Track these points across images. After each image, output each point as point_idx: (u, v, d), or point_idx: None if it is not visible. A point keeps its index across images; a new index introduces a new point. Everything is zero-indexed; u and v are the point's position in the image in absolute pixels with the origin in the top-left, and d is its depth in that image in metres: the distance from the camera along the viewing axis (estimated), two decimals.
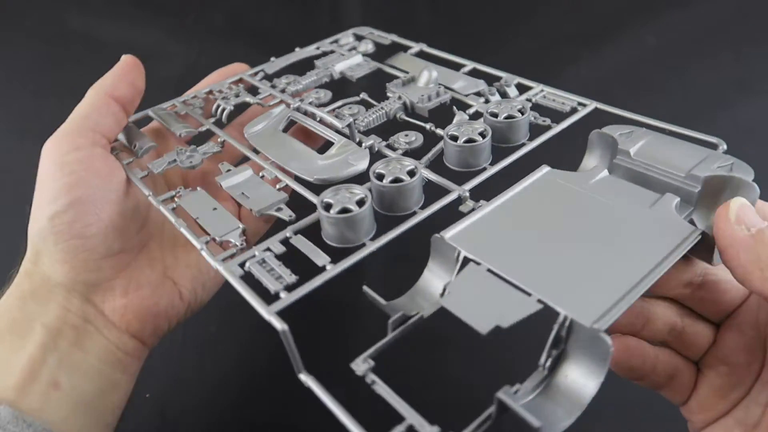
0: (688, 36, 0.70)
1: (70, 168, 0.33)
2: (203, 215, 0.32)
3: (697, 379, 0.32)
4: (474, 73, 0.44)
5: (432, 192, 0.32)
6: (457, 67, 0.45)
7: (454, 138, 0.33)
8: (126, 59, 0.39)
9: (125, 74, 0.39)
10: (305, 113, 0.40)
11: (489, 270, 0.26)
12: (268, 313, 0.24)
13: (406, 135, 0.36)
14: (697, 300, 0.32)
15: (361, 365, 0.24)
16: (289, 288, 0.26)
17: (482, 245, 0.27)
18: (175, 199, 0.34)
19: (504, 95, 0.40)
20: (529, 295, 0.24)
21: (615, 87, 0.65)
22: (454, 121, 0.36)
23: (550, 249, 0.27)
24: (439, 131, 0.36)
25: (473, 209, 0.29)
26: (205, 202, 0.33)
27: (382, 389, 0.23)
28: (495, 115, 0.35)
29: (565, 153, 0.34)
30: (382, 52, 0.49)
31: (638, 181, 0.31)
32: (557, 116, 0.37)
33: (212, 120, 0.42)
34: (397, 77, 0.42)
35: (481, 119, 0.36)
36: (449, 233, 0.28)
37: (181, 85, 0.47)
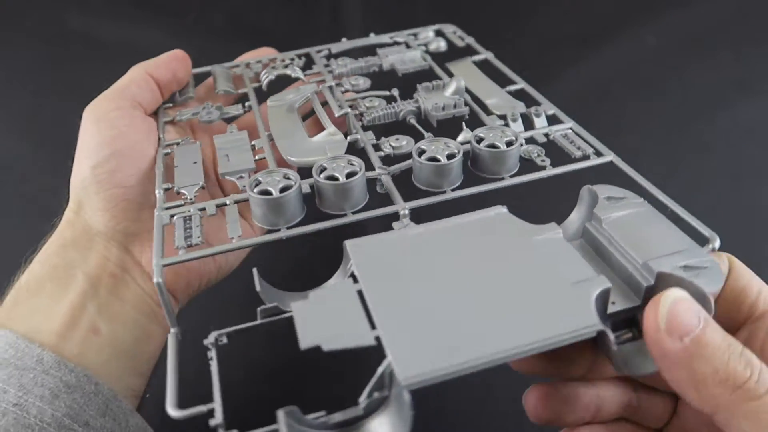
0: (688, 36, 0.70)
1: (111, 123, 0.35)
2: (182, 165, 0.35)
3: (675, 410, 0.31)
4: (521, 95, 0.41)
5: (386, 202, 0.31)
6: (506, 83, 0.42)
7: (421, 153, 0.32)
8: (176, 51, 0.42)
9: (169, 62, 0.41)
10: (329, 94, 0.40)
11: (359, 291, 0.24)
12: (156, 263, 0.27)
13: (397, 139, 0.35)
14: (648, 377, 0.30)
15: (211, 337, 0.26)
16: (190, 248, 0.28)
17: (376, 265, 0.25)
18: (174, 146, 0.37)
19: (530, 123, 0.37)
20: (373, 328, 0.22)
21: (615, 87, 0.65)
22: (458, 138, 0.35)
23: (437, 290, 0.24)
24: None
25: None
26: (192, 154, 0.36)
27: (212, 368, 0.24)
28: (479, 141, 0.33)
29: (561, 200, 0.32)
30: (454, 54, 0.48)
31: (598, 253, 0.28)
32: (569, 159, 0.34)
33: (255, 86, 0.43)
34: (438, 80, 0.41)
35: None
36: (353, 242, 0.26)
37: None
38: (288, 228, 0.29)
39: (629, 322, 0.26)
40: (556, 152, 0.34)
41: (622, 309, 0.25)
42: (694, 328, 0.21)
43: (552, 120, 0.37)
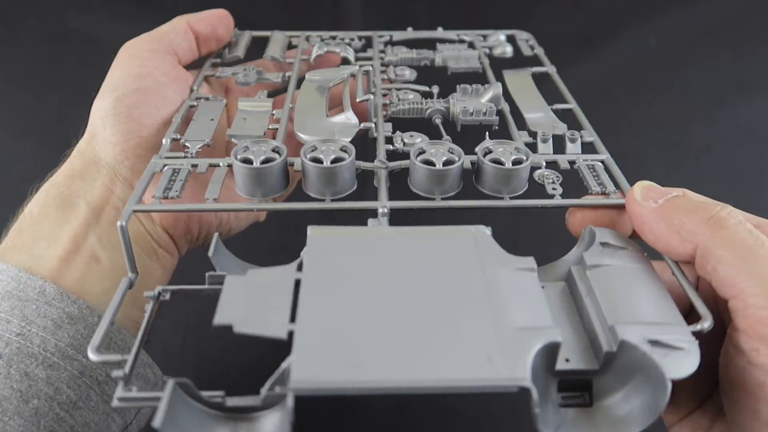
0: (688, 36, 0.70)
1: (142, 62, 0.37)
2: (199, 120, 0.36)
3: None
4: (568, 116, 0.38)
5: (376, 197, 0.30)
6: (559, 101, 0.39)
7: (420, 154, 0.30)
8: (219, 10, 0.43)
9: (211, 18, 0.42)
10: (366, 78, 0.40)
11: (297, 281, 0.23)
12: (127, 207, 0.28)
13: (411, 136, 0.34)
14: None
15: (152, 291, 0.26)
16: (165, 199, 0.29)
17: (327, 258, 0.24)
18: (202, 100, 0.38)
19: (563, 147, 0.34)
20: (292, 322, 0.21)
21: (615, 87, 0.65)
22: (477, 148, 0.32)
23: (375, 299, 0.22)
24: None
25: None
26: (213, 112, 0.37)
27: (144, 320, 0.25)
28: (486, 154, 0.30)
29: (567, 234, 0.30)
30: (520, 62, 0.46)
31: (576, 301, 0.25)
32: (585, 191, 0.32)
33: (304, 58, 0.44)
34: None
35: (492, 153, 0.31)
36: (317, 229, 0.26)
37: None
38: (261, 201, 0.29)
39: (585, 385, 0.23)
40: (579, 182, 0.32)
41: (575, 369, 0.23)
42: (664, 194, 0.26)
43: (587, 148, 0.34)
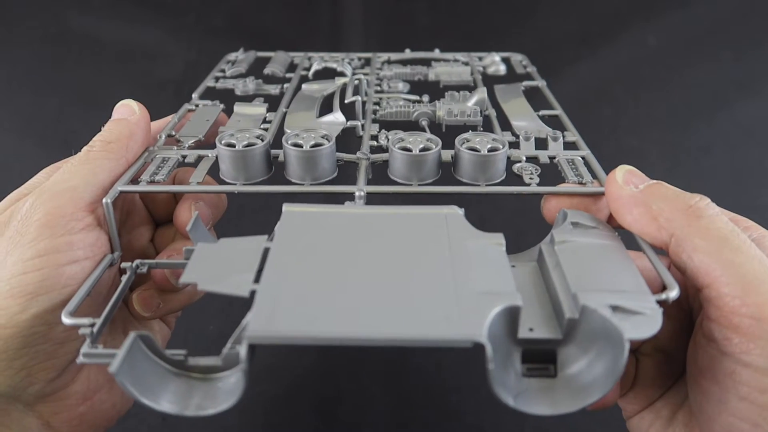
0: (688, 36, 0.70)
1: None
2: (195, 120, 0.37)
3: (636, 369, 0.31)
4: (554, 122, 0.38)
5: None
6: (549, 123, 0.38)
7: (397, 143, 0.31)
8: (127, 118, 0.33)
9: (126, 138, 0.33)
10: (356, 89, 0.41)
11: (266, 249, 0.24)
12: (114, 187, 0.29)
13: (396, 133, 0.34)
14: None
15: (134, 263, 0.28)
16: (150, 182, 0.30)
17: (298, 231, 0.25)
18: (200, 105, 0.39)
19: (545, 146, 0.35)
20: (256, 282, 0.22)
21: (615, 87, 0.65)
22: (457, 138, 0.33)
23: (340, 266, 0.23)
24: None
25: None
26: (209, 114, 0.37)
27: (119, 289, 0.27)
28: (463, 144, 0.31)
29: (542, 224, 0.30)
30: (513, 79, 0.46)
31: (544, 277, 0.26)
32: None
33: (303, 73, 0.46)
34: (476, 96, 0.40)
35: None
36: (291, 206, 0.27)
37: (181, 85, 0.47)
38: (244, 185, 0.31)
39: (550, 357, 0.23)
40: (557, 175, 0.32)
41: (538, 338, 0.23)
42: (647, 180, 0.26)
43: (569, 147, 0.34)
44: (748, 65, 0.67)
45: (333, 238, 0.25)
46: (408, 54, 0.51)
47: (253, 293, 0.22)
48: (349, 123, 0.36)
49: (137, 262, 0.28)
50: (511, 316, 0.22)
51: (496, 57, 0.50)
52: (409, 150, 0.30)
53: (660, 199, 0.25)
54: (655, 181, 0.27)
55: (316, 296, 0.22)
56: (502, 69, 0.48)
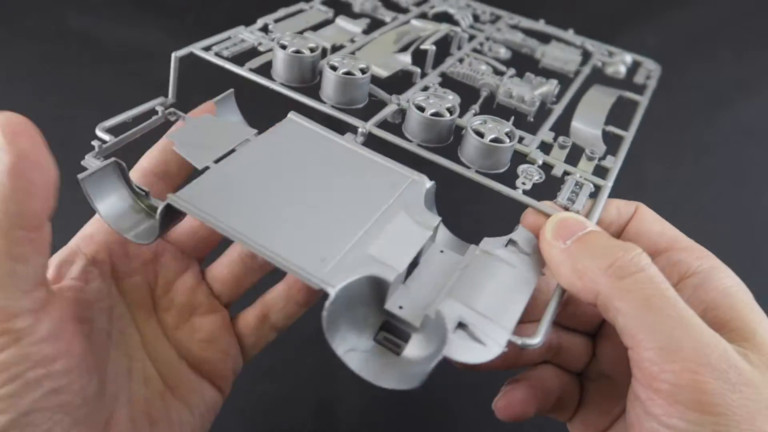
0: (688, 36, 0.70)
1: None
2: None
3: (582, 394, 0.31)
4: (617, 141, 0.36)
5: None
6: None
7: (418, 105, 0.31)
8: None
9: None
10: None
11: (247, 140, 0.29)
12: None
13: (445, 92, 0.34)
14: (566, 316, 0.31)
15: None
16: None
17: (284, 137, 0.29)
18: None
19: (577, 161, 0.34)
20: (215, 162, 0.27)
21: (615, 87, 0.65)
22: (468, 115, 0.33)
23: (286, 183, 0.27)
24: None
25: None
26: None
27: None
28: (475, 124, 0.31)
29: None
30: (625, 84, 0.44)
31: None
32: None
33: (424, 10, 0.47)
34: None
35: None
36: (296, 116, 0.31)
37: (181, 85, 0.47)
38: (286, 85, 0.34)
39: (406, 337, 0.24)
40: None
41: (399, 316, 0.24)
42: (577, 233, 0.25)
43: (599, 171, 0.32)
44: (748, 65, 0.67)
45: (303, 156, 0.28)
46: (540, 25, 0.50)
47: (205, 169, 0.26)
48: (410, 67, 0.37)
49: (170, 109, 0.33)
50: (379, 285, 0.23)
51: (627, 57, 0.47)
52: (423, 110, 0.31)
53: (585, 256, 0.24)
54: (586, 231, 0.25)
55: (244, 195, 0.25)
56: (622, 71, 0.45)
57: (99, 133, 0.30)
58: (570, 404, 0.31)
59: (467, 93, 0.36)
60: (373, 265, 0.23)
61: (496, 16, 0.50)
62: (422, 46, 0.39)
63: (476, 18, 0.49)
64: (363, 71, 0.33)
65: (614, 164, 0.32)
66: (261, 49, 0.37)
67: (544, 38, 0.48)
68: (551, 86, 0.37)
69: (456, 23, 0.46)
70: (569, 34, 0.50)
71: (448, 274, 0.26)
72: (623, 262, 0.23)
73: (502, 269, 0.25)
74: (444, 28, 0.44)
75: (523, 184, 0.30)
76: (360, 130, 0.31)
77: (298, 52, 0.33)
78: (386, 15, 0.45)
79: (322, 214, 0.26)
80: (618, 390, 0.28)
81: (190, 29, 0.71)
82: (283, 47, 0.33)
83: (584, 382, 0.32)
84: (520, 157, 0.31)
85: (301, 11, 0.42)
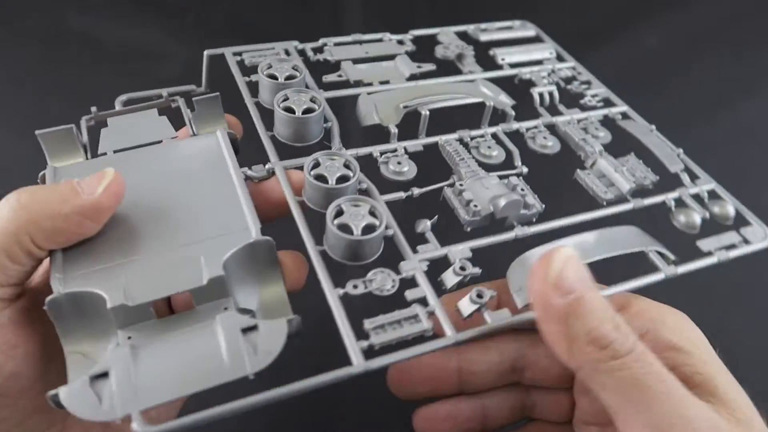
0: (688, 36, 0.70)
1: None
2: None
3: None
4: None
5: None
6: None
7: (287, 109, 0.33)
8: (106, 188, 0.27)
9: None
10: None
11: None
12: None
13: (399, 163, 0.34)
14: (533, 378, 0.31)
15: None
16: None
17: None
18: None
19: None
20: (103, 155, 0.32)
21: (615, 87, 0.65)
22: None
23: (141, 192, 0.29)
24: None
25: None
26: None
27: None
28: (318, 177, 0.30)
29: None
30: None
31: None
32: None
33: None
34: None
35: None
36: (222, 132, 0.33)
37: (180, 85, 0.47)
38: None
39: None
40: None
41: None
42: (577, 289, 0.22)
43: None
44: (748, 65, 0.67)
45: (180, 170, 0.31)
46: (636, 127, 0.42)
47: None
48: (391, 126, 0.36)
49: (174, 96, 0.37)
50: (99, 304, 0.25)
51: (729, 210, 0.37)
52: (325, 180, 0.30)
53: (582, 324, 0.22)
54: (584, 290, 0.23)
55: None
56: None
57: (117, 104, 0.35)
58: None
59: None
60: (192, 257, 0.26)
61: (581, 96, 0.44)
62: (420, 109, 0.36)
63: (561, 90, 0.43)
64: (310, 110, 0.33)
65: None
66: (275, 73, 0.36)
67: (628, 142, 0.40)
68: (509, 198, 0.31)
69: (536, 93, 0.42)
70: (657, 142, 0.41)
71: (192, 328, 0.25)
72: (616, 346, 0.22)
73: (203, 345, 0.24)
74: (483, 97, 0.39)
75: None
76: (267, 165, 0.32)
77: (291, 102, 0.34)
78: (469, 67, 0.43)
79: (146, 225, 0.28)
80: None
81: (190, 29, 0.71)
82: (289, 110, 0.34)
83: (575, 429, 0.31)
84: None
85: (379, 41, 0.43)
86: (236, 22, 0.72)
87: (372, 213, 0.29)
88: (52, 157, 0.32)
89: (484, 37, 0.49)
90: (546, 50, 0.48)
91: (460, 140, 0.37)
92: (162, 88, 0.37)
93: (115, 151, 0.32)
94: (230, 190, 0.30)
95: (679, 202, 0.36)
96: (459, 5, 0.74)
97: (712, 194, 0.37)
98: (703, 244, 0.32)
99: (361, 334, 0.25)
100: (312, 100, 0.34)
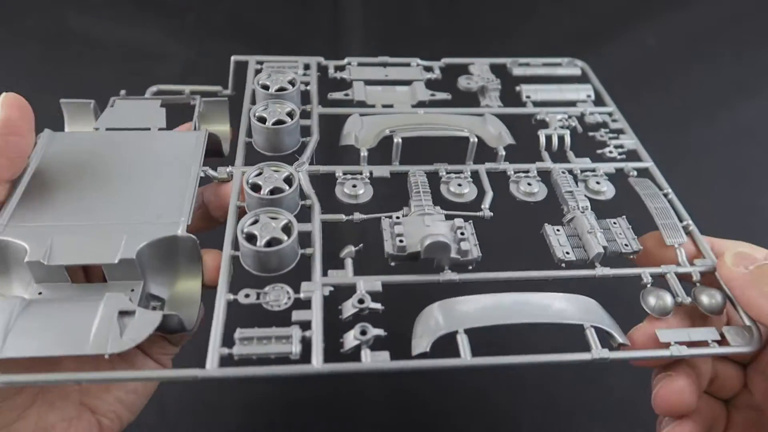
0: (688, 36, 0.70)
1: None
2: None
3: (728, 422, 0.32)
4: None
5: None
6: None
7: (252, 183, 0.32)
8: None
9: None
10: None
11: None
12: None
13: (354, 187, 0.34)
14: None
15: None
16: None
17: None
18: None
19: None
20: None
21: (615, 87, 0.65)
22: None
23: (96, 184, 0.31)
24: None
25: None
26: None
27: None
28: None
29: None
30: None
31: None
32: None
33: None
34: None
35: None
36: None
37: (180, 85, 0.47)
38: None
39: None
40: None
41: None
42: (755, 262, 0.28)
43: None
44: (748, 65, 0.67)
45: (144, 152, 0.33)
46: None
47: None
48: (361, 147, 0.36)
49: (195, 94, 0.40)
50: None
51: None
52: (256, 188, 0.32)
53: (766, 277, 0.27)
54: (764, 261, 0.28)
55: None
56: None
57: (147, 93, 0.39)
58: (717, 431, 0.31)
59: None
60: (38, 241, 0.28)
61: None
62: (395, 137, 0.36)
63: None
64: (281, 122, 0.35)
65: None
66: (268, 83, 0.38)
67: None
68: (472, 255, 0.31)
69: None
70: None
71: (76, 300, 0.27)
72: None
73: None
74: (479, 132, 0.38)
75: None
76: (229, 169, 0.34)
77: (279, 122, 0.35)
78: (488, 101, 0.42)
79: (95, 197, 0.30)
80: (765, 423, 0.30)
81: (190, 29, 0.71)
82: (262, 121, 0.35)
83: (731, 410, 0.32)
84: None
85: (406, 65, 0.44)
86: (236, 22, 0.72)
87: (286, 228, 0.29)
88: (69, 124, 0.38)
89: (518, 72, 0.47)
90: (583, 92, 0.45)
91: (435, 173, 0.35)
92: (188, 85, 0.40)
93: (107, 129, 0.35)
94: (183, 185, 0.31)
95: (659, 281, 0.31)
96: (459, 5, 0.74)
97: (706, 279, 0.31)
98: (663, 334, 0.28)
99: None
100: (289, 114, 0.35)
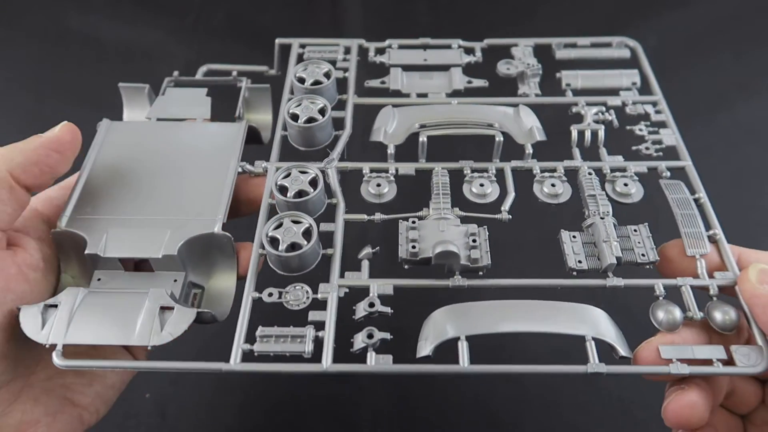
0: (688, 36, 0.70)
1: None
2: None
3: None
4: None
5: None
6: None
7: (280, 184, 0.33)
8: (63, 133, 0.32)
9: (44, 156, 0.31)
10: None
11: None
12: None
13: (379, 185, 0.35)
14: None
15: None
16: None
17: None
18: None
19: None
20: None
21: None
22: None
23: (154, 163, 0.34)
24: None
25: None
26: None
27: None
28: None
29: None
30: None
31: None
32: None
33: None
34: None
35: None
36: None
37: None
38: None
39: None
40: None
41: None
42: None
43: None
44: (748, 65, 0.67)
45: (189, 148, 0.35)
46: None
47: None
48: (390, 146, 0.37)
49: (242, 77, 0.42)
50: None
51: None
52: (284, 191, 0.33)
53: None
54: None
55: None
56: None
57: (198, 74, 0.41)
58: None
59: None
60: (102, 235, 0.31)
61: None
62: (420, 135, 0.36)
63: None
64: (313, 119, 0.36)
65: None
66: (304, 76, 0.39)
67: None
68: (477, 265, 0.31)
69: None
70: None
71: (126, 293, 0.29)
72: None
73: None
74: (506, 129, 0.37)
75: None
76: (264, 164, 0.35)
77: (311, 120, 0.36)
78: (526, 89, 0.41)
79: (145, 189, 0.33)
80: None
81: (190, 29, 0.71)
82: (295, 118, 0.36)
83: (747, 426, 0.32)
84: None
85: (447, 47, 0.43)
86: (236, 22, 0.72)
87: (307, 232, 0.31)
88: (127, 108, 0.40)
89: (561, 55, 0.43)
90: (629, 78, 0.42)
91: (460, 171, 0.35)
92: (235, 65, 0.42)
93: (158, 119, 0.38)
94: (221, 179, 0.33)
95: (673, 293, 0.30)
96: (459, 5, 0.74)
97: (727, 291, 0.30)
98: (665, 350, 0.27)
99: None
100: (321, 111, 0.36)
